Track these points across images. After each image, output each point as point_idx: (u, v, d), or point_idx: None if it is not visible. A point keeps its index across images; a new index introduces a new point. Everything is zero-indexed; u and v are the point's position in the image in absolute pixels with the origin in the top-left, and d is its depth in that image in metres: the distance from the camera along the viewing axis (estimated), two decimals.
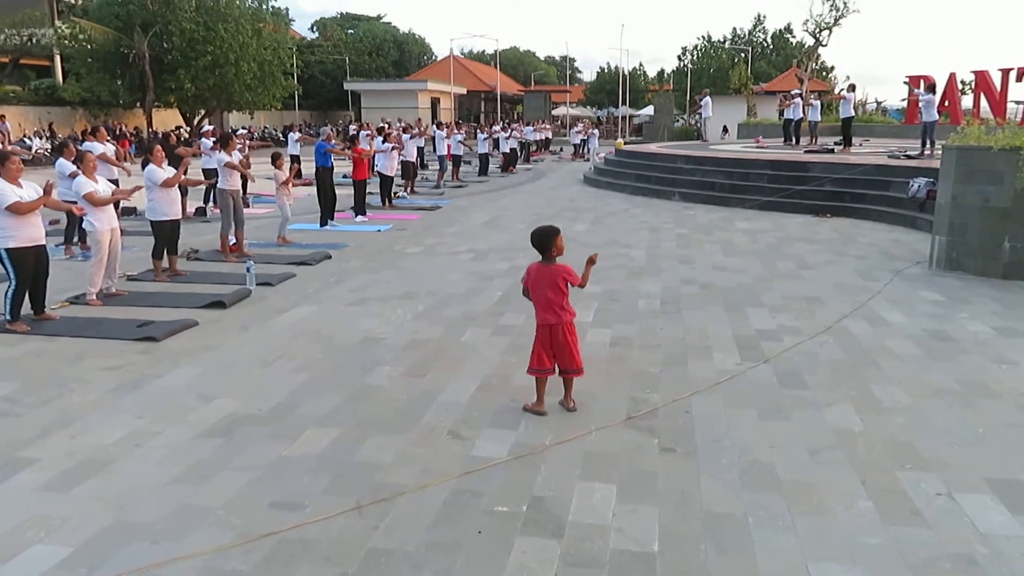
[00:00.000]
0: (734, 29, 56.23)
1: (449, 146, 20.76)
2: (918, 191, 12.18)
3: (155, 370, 5.57)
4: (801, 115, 21.53)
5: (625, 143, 30.57)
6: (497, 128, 27.74)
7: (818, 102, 22.42)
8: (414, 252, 10.45)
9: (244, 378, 5.43)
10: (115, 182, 10.27)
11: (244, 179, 11.28)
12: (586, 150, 30.82)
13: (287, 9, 40.94)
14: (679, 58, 57.79)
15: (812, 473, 3.98)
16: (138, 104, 34.60)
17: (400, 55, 61.70)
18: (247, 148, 13.02)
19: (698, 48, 55.33)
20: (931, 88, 17.35)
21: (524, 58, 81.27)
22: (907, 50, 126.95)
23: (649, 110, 48.64)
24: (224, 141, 10.50)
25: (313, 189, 13.67)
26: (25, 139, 28.01)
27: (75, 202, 7.69)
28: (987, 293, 7.82)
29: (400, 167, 16.93)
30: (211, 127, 20.07)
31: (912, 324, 6.72)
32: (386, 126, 25.76)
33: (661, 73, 61.71)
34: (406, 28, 69.24)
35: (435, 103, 52.84)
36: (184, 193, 12.87)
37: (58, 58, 35.26)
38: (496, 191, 19.10)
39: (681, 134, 36.32)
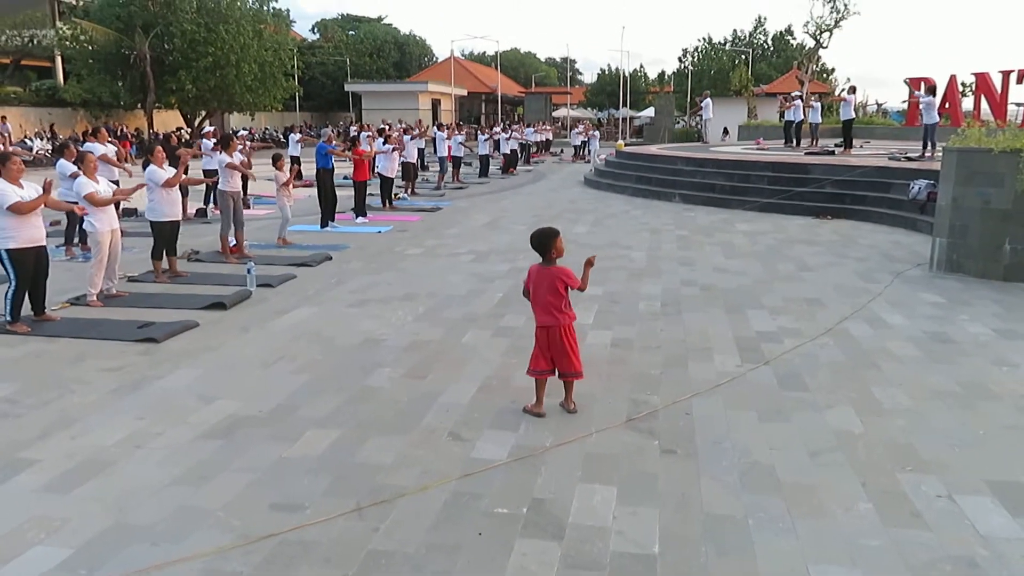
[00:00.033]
0: (735, 31, 56.37)
1: (450, 147, 20.77)
2: (919, 193, 12.18)
3: (155, 371, 5.57)
4: (802, 117, 21.54)
5: (626, 145, 30.59)
6: (498, 129, 27.76)
7: (819, 104, 22.43)
8: (415, 253, 10.46)
9: (245, 379, 5.43)
10: (116, 183, 10.27)
11: (245, 180, 11.30)
12: (586, 152, 30.85)
13: (288, 10, 41.06)
14: (680, 60, 57.86)
15: (812, 475, 3.98)
16: (139, 105, 34.63)
17: (401, 56, 61.74)
18: (249, 149, 12.99)
19: (699, 50, 55.35)
20: (931, 90, 17.36)
21: (525, 60, 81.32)
22: (907, 52, 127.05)
23: (650, 112, 48.63)
24: (225, 142, 10.51)
25: (313, 190, 13.69)
26: (26, 140, 28.05)
27: (76, 203, 7.69)
28: (987, 295, 7.82)
29: (400, 168, 16.94)
30: (212, 128, 20.07)
31: (912, 326, 6.72)
32: (387, 127, 25.77)
33: (662, 75, 61.72)
34: (407, 29, 69.36)
35: (436, 104, 52.86)
36: (185, 194, 12.89)
37: (59, 59, 35.30)
38: (496, 192, 19.10)
39: (682, 136, 36.32)
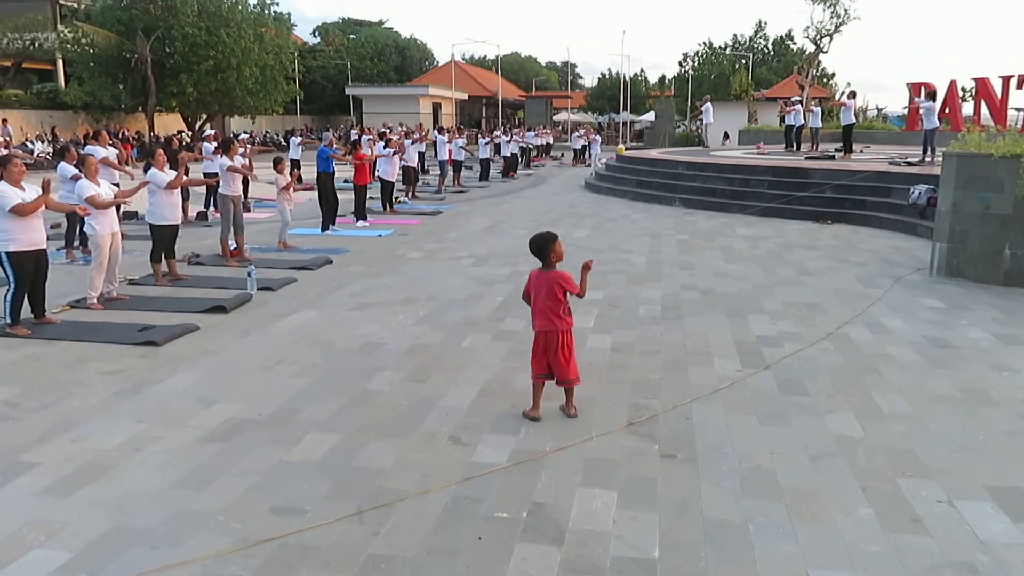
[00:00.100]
0: (735, 35, 56.48)
1: (450, 151, 20.79)
2: (919, 198, 12.19)
3: (156, 375, 5.57)
4: (802, 122, 21.57)
5: (626, 149, 30.62)
6: (498, 133, 27.79)
7: (819, 109, 22.47)
8: (415, 257, 10.46)
9: (245, 383, 5.43)
10: (117, 186, 10.27)
11: (246, 183, 11.30)
12: (587, 156, 30.87)
13: (289, 14, 40.90)
14: (680, 64, 58.00)
15: (813, 480, 3.98)
16: (140, 108, 34.67)
17: (402, 60, 61.82)
18: (250, 152, 12.99)
19: (699, 54, 55.43)
20: (931, 95, 17.41)
21: (525, 64, 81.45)
22: (908, 57, 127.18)
23: (650, 116, 48.66)
24: (226, 146, 10.52)
25: (314, 194, 13.70)
26: (27, 143, 28.07)
27: (77, 204, 7.69)
28: (987, 300, 7.82)
29: (401, 172, 16.96)
30: (213, 131, 20.06)
31: (913, 331, 6.72)
32: (387, 131, 25.80)
33: (662, 79, 61.83)
34: (408, 33, 69.21)
35: (436, 108, 52.91)
36: (186, 197, 12.90)
37: (60, 62, 35.35)
38: (497, 196, 19.12)
39: (682, 140, 36.35)
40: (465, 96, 56.06)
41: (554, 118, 58.12)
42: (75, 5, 36.05)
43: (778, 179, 15.64)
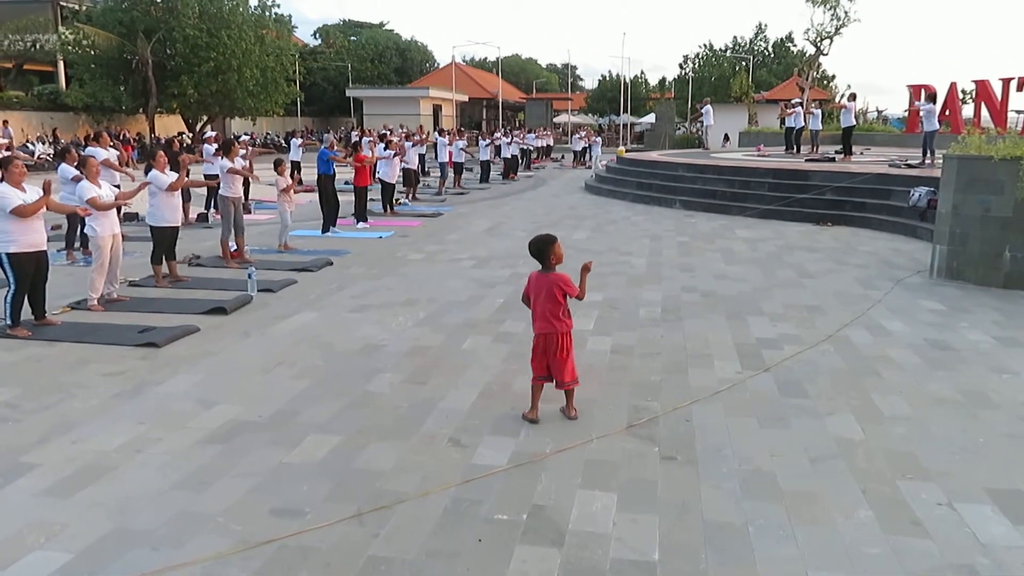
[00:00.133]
0: (735, 38, 56.44)
1: (451, 153, 20.80)
2: (919, 200, 12.19)
3: (156, 376, 5.57)
4: (802, 124, 21.58)
5: (626, 151, 30.63)
6: (499, 135, 27.80)
7: (819, 111, 22.48)
8: (415, 259, 10.47)
9: (245, 384, 5.43)
10: (117, 187, 10.29)
11: (247, 185, 11.31)
12: (587, 157, 30.88)
13: (290, 16, 40.90)
14: (680, 66, 58.06)
15: (813, 482, 3.98)
16: (141, 110, 34.71)
17: (402, 62, 61.88)
18: (251, 155, 13.00)
19: (699, 56, 55.48)
20: (932, 98, 17.40)
21: (526, 66, 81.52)
22: (908, 59, 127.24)
23: (650, 118, 48.69)
24: (227, 147, 10.53)
25: (314, 195, 13.71)
26: (28, 144, 28.09)
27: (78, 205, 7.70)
28: (987, 303, 7.82)
29: (402, 174, 16.97)
30: (214, 133, 20.09)
31: (913, 333, 6.72)
32: (388, 132, 25.82)
33: (662, 81, 61.89)
34: (408, 35, 69.58)
35: (437, 110, 52.95)
36: (187, 199, 12.92)
37: (62, 64, 35.38)
38: (498, 198, 19.12)
39: (682, 142, 36.34)
40: (466, 98, 56.10)
41: (554, 120, 58.18)
42: (76, 7, 36.07)
43: (778, 181, 15.65)
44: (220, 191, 10.25)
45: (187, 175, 9.36)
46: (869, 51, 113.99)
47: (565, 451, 4.32)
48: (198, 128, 36.41)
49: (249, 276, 8.16)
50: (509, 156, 25.11)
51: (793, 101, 23.45)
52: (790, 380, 5.51)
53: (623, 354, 6.14)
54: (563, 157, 35.96)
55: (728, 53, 54.60)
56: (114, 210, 7.77)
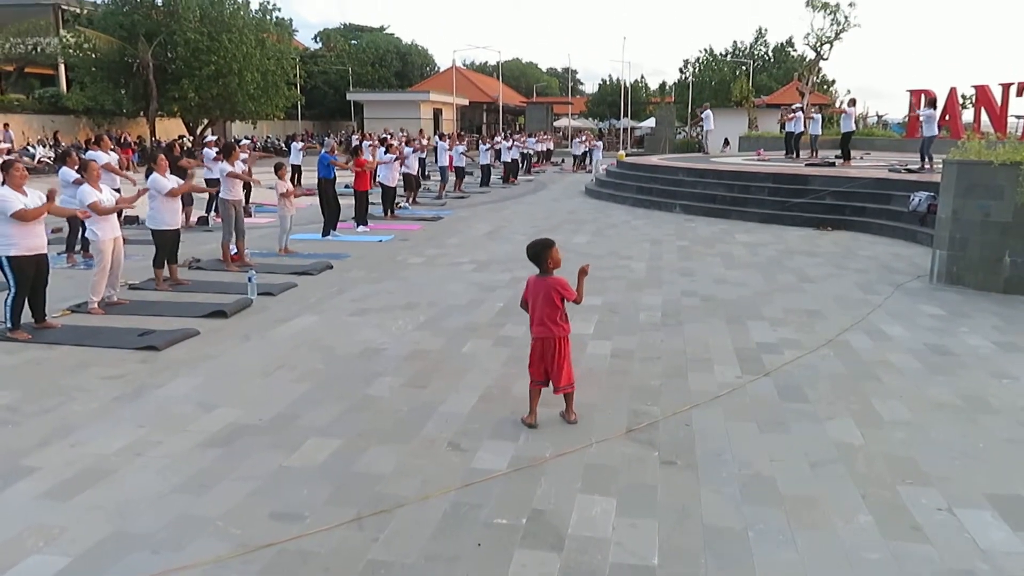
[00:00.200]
0: (735, 42, 56.47)
1: (451, 157, 20.81)
2: (919, 205, 12.20)
3: (156, 379, 5.57)
4: (802, 128, 21.61)
5: (627, 155, 30.66)
6: (499, 139, 27.82)
7: (819, 115, 22.51)
8: (416, 263, 10.47)
9: (245, 388, 5.43)
10: (118, 191, 10.31)
11: (248, 188, 11.32)
12: (587, 162, 30.90)
13: (291, 20, 40.97)
14: (681, 71, 58.04)
15: (812, 487, 3.97)
16: (142, 113, 34.76)
17: (403, 66, 61.96)
18: (251, 160, 13.01)
19: (700, 61, 55.55)
20: (932, 103, 17.44)
21: (526, 70, 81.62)
22: (908, 64, 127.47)
23: (651, 122, 48.78)
24: (227, 151, 10.55)
25: (314, 199, 13.72)
26: (29, 147, 28.11)
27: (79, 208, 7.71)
28: (987, 307, 7.82)
29: (402, 179, 16.98)
30: (214, 137, 20.13)
31: (913, 338, 6.72)
32: (388, 136, 25.85)
33: (663, 85, 61.94)
34: (409, 39, 69.62)
35: (437, 114, 53.02)
36: (189, 203, 12.94)
37: (62, 67, 35.42)
38: (498, 202, 19.14)
39: (683, 146, 36.41)
40: (466, 102, 56.17)
41: (555, 124, 58.22)
42: (77, 10, 36.13)
43: (778, 186, 15.67)
44: (220, 194, 10.26)
45: (192, 179, 9.38)
46: (869, 56, 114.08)
47: (565, 455, 4.32)
48: (199, 131, 36.45)
49: (249, 279, 8.16)
50: (509, 160, 25.13)
51: (794, 106, 23.48)
52: (790, 385, 5.51)
53: (623, 358, 6.14)
54: (563, 161, 35.99)
55: (728, 57, 54.68)
56: (115, 214, 7.78)
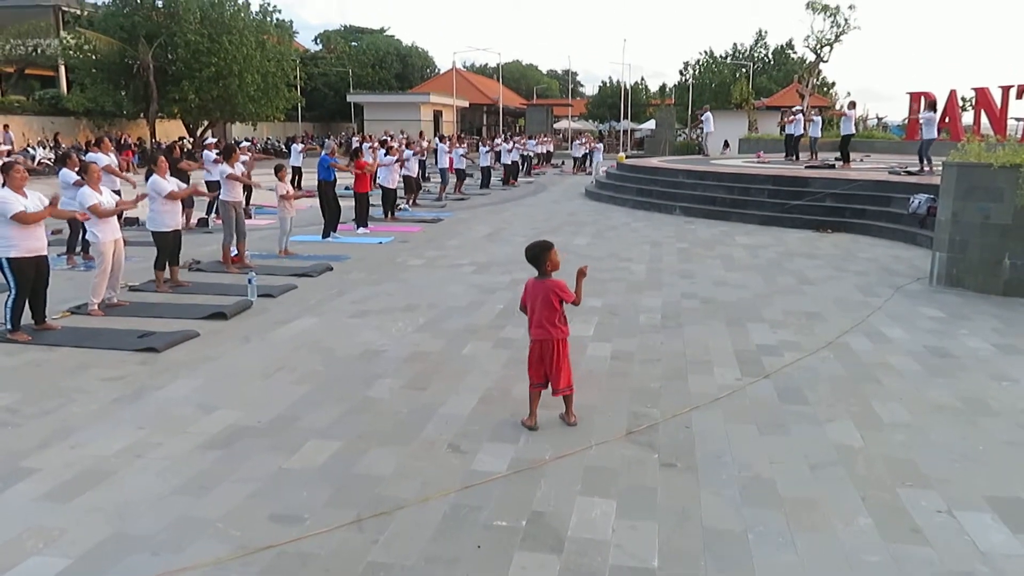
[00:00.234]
0: (735, 44, 56.50)
1: (451, 159, 20.81)
2: (919, 207, 12.21)
3: (156, 381, 5.57)
4: (802, 131, 21.63)
5: (627, 157, 30.68)
6: (499, 140, 27.83)
7: (819, 118, 22.53)
8: (416, 264, 10.48)
9: (245, 390, 5.43)
10: (118, 193, 10.33)
11: (249, 190, 11.33)
12: (587, 164, 30.91)
13: (291, 22, 41.00)
14: (681, 73, 57.99)
15: (812, 489, 3.98)
16: (142, 115, 34.75)
17: (403, 68, 61.99)
18: (250, 162, 13.01)
19: (700, 63, 55.54)
20: (932, 106, 17.45)
21: (526, 72, 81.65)
22: (908, 66, 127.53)
23: (651, 124, 48.79)
24: (227, 153, 10.55)
25: (315, 200, 13.72)
26: (29, 148, 28.11)
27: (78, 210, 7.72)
28: (987, 310, 7.83)
29: (402, 181, 16.99)
30: (215, 140, 20.11)
31: (912, 340, 6.72)
32: (389, 138, 25.87)
33: (663, 87, 61.88)
34: (409, 41, 69.78)
35: (438, 116, 53.05)
36: (189, 204, 12.94)
37: (63, 68, 35.43)
38: (498, 204, 19.14)
39: (683, 148, 36.44)
40: (466, 104, 56.20)
41: (555, 126, 58.24)
42: (78, 12, 36.15)
43: (778, 188, 15.67)
44: (221, 196, 10.28)
45: (193, 191, 9.40)
46: (869, 58, 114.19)
47: (564, 457, 4.32)
48: (199, 133, 36.46)
49: (249, 281, 8.17)
50: (509, 162, 25.14)
51: (794, 109, 23.51)
52: (790, 387, 5.51)
53: (623, 360, 6.14)
54: (563, 163, 36.00)
55: (728, 60, 54.70)
56: (116, 216, 7.78)
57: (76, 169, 9.20)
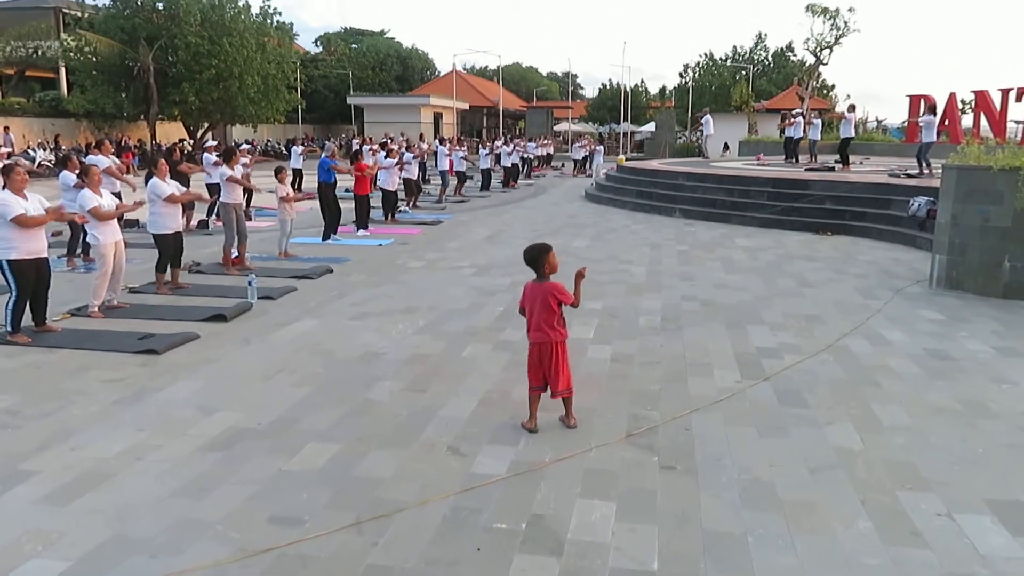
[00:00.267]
0: (735, 47, 56.49)
1: (451, 161, 20.82)
2: (918, 210, 12.21)
3: (156, 383, 5.57)
4: (802, 134, 21.64)
5: (627, 159, 30.69)
6: (499, 143, 27.85)
7: (819, 121, 22.54)
8: (416, 267, 10.48)
9: (245, 392, 5.43)
10: (118, 195, 10.32)
11: (249, 192, 11.33)
12: (588, 166, 30.93)
13: (291, 24, 41.01)
14: (681, 75, 58.01)
15: (812, 492, 3.97)
16: (142, 117, 34.78)
17: (403, 70, 62.03)
18: (250, 164, 13.03)
19: (700, 65, 55.55)
20: (931, 109, 17.46)
21: (526, 74, 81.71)
22: (907, 69, 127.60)
23: (651, 127, 48.78)
24: (227, 155, 10.57)
25: (315, 203, 13.74)
26: (29, 150, 28.13)
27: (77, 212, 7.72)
28: (987, 312, 7.83)
29: (402, 183, 16.99)
30: (215, 142, 20.15)
31: (912, 343, 6.72)
32: (388, 140, 25.89)
33: (663, 90, 61.92)
34: (409, 43, 69.87)
35: (438, 118, 53.07)
36: (190, 206, 12.94)
37: (63, 70, 35.48)
38: (498, 206, 19.15)
39: (682, 151, 36.42)
40: (466, 106, 56.25)
41: (555, 128, 58.28)
42: (78, 14, 36.16)
43: (778, 190, 15.68)
44: (221, 198, 10.29)
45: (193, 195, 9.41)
46: (869, 61, 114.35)
47: (564, 460, 4.32)
48: (199, 135, 36.48)
49: (249, 283, 8.17)
50: (509, 164, 25.15)
51: (794, 111, 23.52)
52: (790, 389, 5.51)
53: (623, 363, 6.14)
54: (563, 165, 36.01)
55: (728, 62, 54.71)
56: (116, 218, 7.78)
57: (76, 171, 9.21)
